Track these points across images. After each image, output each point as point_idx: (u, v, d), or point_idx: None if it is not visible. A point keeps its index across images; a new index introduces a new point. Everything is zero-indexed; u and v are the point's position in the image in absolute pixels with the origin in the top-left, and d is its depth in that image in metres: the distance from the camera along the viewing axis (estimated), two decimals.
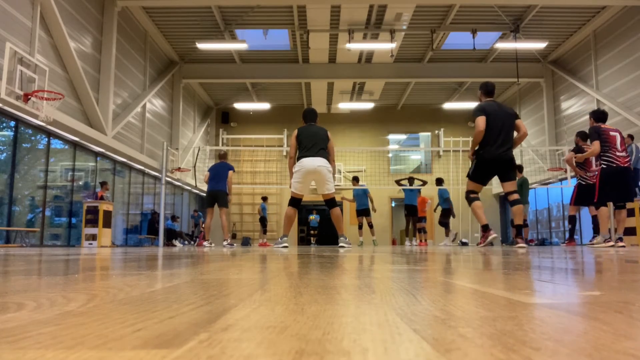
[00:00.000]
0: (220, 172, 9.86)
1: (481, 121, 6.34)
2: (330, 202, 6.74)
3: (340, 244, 6.82)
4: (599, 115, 7.51)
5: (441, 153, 21.87)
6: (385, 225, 21.45)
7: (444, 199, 14.23)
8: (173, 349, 0.46)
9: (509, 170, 6.49)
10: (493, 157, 6.37)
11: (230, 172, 9.93)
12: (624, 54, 13.73)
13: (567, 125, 16.66)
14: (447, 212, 14.31)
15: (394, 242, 21.45)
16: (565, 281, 1.28)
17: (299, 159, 6.62)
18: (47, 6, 10.09)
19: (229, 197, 9.87)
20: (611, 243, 6.99)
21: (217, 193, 9.78)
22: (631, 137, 10.97)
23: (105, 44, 12.84)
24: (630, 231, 10.12)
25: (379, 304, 0.80)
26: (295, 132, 6.75)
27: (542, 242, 18.55)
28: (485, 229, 6.58)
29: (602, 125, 7.31)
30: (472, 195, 6.64)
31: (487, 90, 6.71)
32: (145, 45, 15.33)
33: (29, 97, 9.10)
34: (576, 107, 16.15)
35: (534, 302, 0.82)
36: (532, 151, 18.47)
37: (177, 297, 0.90)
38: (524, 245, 6.57)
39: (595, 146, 7.13)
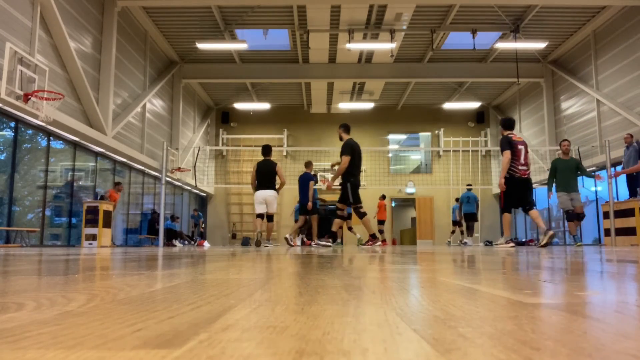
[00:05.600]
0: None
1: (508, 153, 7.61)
2: (270, 217, 9.35)
3: (264, 245, 8.97)
4: (506, 122, 7.93)
5: (441, 153, 21.88)
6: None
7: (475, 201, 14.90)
8: (173, 349, 0.46)
9: None
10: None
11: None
12: (624, 54, 13.72)
13: (567, 125, 16.66)
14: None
15: (394, 242, 21.48)
16: (563, 281, 1.28)
17: (256, 189, 9.27)
18: (47, 6, 10.08)
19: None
20: (512, 244, 7.83)
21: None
22: (631, 135, 10.98)
23: (105, 44, 12.83)
24: (630, 231, 10.16)
25: (379, 304, 0.80)
26: (255, 167, 9.34)
27: None
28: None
29: (514, 138, 7.72)
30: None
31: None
32: (145, 45, 15.33)
33: (29, 97, 9.09)
34: (576, 107, 16.15)
35: (534, 302, 0.82)
36: (532, 151, 18.46)
37: (177, 297, 0.90)
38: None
39: (505, 156, 7.64)
